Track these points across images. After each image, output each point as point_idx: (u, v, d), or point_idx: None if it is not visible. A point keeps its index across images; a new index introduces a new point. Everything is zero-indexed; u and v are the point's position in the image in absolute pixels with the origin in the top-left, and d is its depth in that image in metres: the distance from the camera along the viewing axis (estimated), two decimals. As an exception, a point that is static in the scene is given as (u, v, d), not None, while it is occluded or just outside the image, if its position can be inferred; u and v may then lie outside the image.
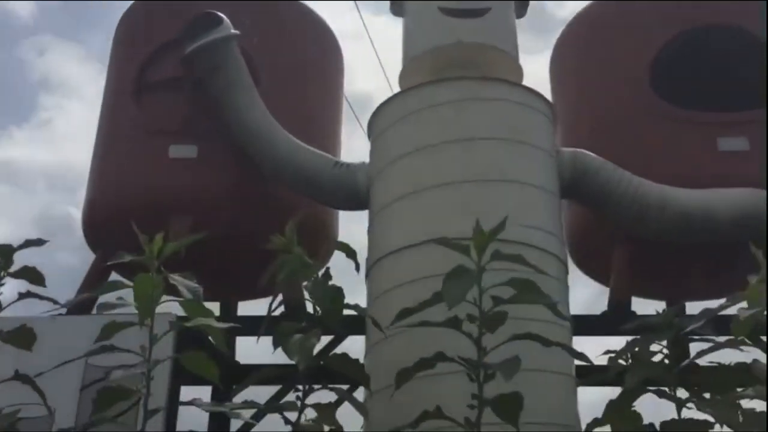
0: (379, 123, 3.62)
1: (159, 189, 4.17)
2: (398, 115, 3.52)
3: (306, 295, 2.31)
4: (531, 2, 4.23)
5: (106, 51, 5.03)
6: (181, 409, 3.39)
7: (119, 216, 4.03)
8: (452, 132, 3.33)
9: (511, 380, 1.90)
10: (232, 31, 4.06)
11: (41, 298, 2.22)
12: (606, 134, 4.21)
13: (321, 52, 5.03)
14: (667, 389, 2.05)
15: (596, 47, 4.59)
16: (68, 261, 14.41)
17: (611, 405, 2.03)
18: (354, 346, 3.73)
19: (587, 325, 3.79)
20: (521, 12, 4.14)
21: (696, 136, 3.92)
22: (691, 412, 1.96)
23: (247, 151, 4.02)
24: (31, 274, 2.27)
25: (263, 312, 2.52)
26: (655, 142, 4.00)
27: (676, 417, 1.98)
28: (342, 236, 4.86)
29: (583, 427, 2.14)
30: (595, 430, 2.04)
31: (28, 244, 2.28)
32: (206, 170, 4.18)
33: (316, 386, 2.17)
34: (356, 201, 3.66)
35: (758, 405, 1.85)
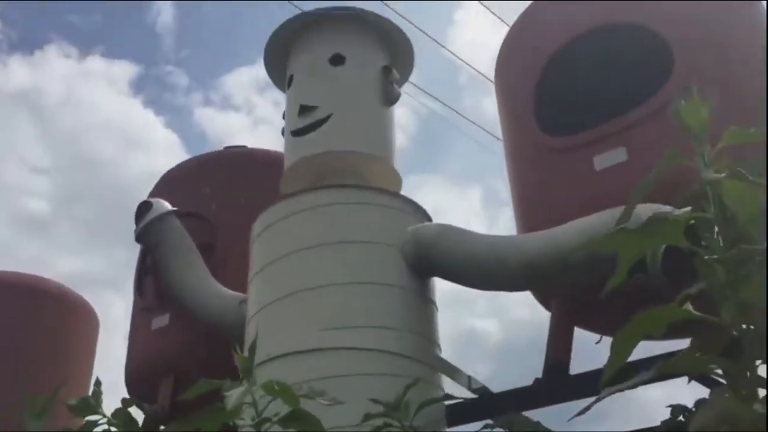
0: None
1: (148, 358, 4.78)
2: (258, 229, 3.78)
3: None
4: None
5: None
6: None
7: (138, 380, 4.79)
8: (285, 245, 3.51)
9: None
10: (164, 210, 4.65)
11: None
12: (509, 173, 4.03)
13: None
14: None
15: (498, 78, 4.41)
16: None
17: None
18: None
19: (520, 400, 3.47)
20: (390, 98, 4.19)
21: (574, 161, 3.55)
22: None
23: (183, 307, 4.47)
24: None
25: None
26: (543, 176, 3.70)
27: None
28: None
29: None
30: None
31: None
32: (177, 333, 4.68)
33: None
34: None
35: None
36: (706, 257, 1.42)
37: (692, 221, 1.44)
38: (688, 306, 1.49)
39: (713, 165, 1.48)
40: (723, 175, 1.38)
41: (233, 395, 1.81)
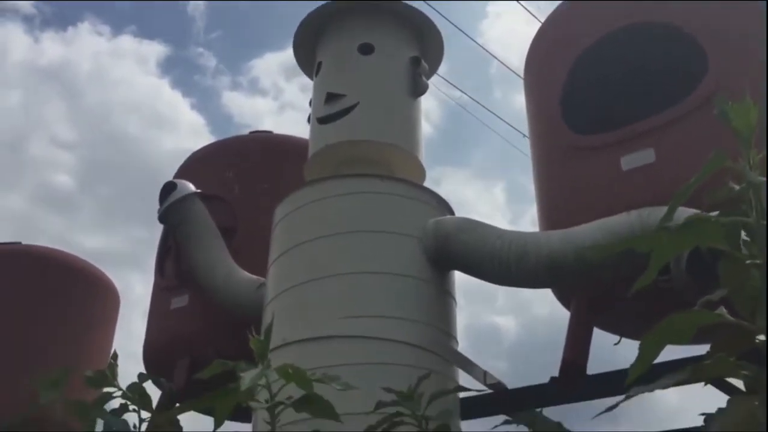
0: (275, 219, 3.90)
1: (166, 337, 4.82)
2: (280, 214, 3.78)
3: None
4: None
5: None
6: None
7: (155, 359, 4.84)
8: (304, 232, 3.51)
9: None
10: (188, 191, 4.68)
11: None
12: (534, 169, 3.99)
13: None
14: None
15: (527, 74, 4.37)
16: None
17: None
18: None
19: (535, 397, 3.46)
20: (418, 90, 4.18)
21: (601, 161, 3.51)
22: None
23: (202, 288, 4.49)
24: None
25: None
26: (570, 176, 3.66)
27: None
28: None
29: None
30: None
31: None
32: (196, 314, 4.72)
33: None
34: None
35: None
36: (747, 261, 1.40)
37: (732, 224, 1.42)
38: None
39: (756, 168, 1.45)
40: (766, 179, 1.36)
41: (247, 377, 1.83)
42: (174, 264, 4.87)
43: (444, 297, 3.47)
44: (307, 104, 4.40)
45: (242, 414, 3.45)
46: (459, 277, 3.68)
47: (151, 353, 4.97)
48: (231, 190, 5.05)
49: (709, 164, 1.44)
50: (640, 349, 1.43)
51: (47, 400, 2.13)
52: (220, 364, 1.93)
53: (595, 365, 3.54)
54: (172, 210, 4.64)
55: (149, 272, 5.33)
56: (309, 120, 4.33)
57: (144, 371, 4.69)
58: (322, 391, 1.98)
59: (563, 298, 3.74)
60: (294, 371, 1.91)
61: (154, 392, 2.59)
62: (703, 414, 2.47)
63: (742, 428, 1.45)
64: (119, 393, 2.31)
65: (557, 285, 3.34)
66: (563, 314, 3.71)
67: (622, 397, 1.48)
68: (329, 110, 3.95)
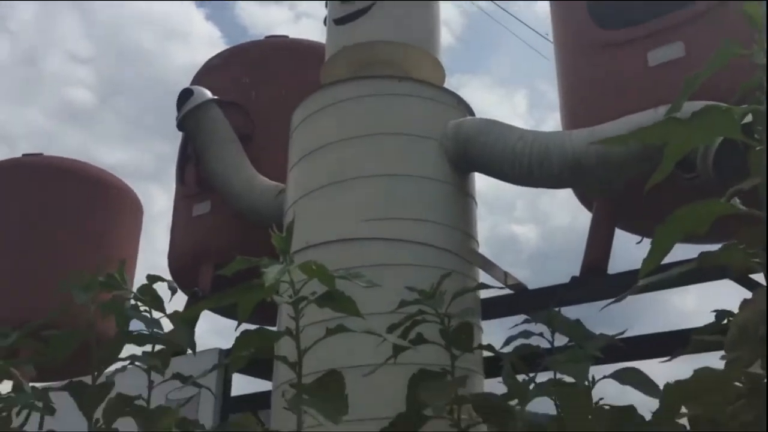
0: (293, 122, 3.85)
1: (189, 244, 4.88)
2: (298, 119, 3.74)
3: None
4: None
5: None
6: None
7: (179, 265, 4.93)
8: (332, 133, 3.47)
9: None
10: (205, 98, 4.63)
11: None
12: (558, 68, 3.89)
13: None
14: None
15: None
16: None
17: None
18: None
19: (553, 297, 3.48)
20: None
21: (627, 56, 3.40)
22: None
23: (220, 195, 4.51)
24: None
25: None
26: (595, 73, 3.56)
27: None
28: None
29: None
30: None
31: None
32: (218, 220, 4.76)
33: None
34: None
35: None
36: (758, 148, 1.35)
37: (748, 114, 1.36)
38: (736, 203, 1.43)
39: (773, 57, 1.38)
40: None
41: (270, 272, 1.83)
42: (194, 172, 4.88)
43: (465, 199, 3.45)
44: (324, 9, 4.27)
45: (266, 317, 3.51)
46: (477, 187, 3.65)
47: (175, 261, 5.05)
48: (248, 96, 4.98)
49: (720, 54, 1.38)
50: (654, 239, 1.40)
51: (82, 301, 2.16)
52: (243, 260, 1.93)
53: (616, 266, 3.55)
54: (189, 117, 4.61)
55: (172, 187, 5.36)
56: (325, 22, 4.22)
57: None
58: (346, 292, 1.99)
59: (585, 200, 3.72)
60: (317, 267, 1.92)
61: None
62: (714, 311, 2.44)
63: (762, 321, 1.44)
64: (131, 295, 2.33)
65: (580, 185, 3.30)
66: (584, 224, 3.69)
67: (637, 286, 1.47)
68: (346, 10, 3.83)
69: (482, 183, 3.58)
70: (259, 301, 1.98)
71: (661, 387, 1.49)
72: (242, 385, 4.69)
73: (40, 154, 6.41)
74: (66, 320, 2.31)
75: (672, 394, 1.27)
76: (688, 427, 1.94)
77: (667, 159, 1.37)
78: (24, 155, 6.40)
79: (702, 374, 1.28)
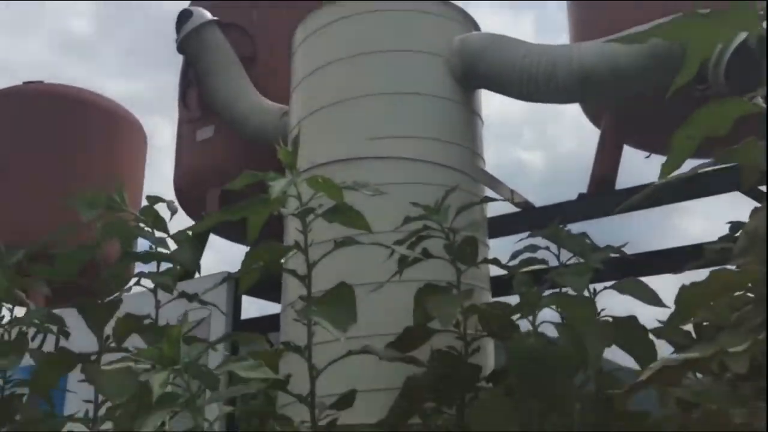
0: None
1: (194, 169, 4.87)
2: (299, 38, 3.64)
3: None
4: None
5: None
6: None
7: (186, 191, 4.93)
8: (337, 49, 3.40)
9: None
10: (204, 19, 4.53)
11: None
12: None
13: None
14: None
15: None
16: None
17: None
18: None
19: (560, 214, 3.47)
20: None
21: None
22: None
23: (223, 118, 4.47)
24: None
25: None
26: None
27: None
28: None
29: None
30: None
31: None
32: (222, 144, 4.73)
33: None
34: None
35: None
36: None
37: None
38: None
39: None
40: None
41: (277, 185, 1.82)
42: (196, 96, 4.82)
43: (471, 117, 3.41)
44: None
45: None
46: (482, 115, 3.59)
47: (181, 186, 5.04)
48: (248, 17, 4.87)
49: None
50: (673, 143, 1.37)
51: (88, 218, 2.16)
52: (249, 175, 1.92)
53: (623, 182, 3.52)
54: (189, 39, 4.52)
55: (176, 118, 5.30)
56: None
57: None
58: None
59: (594, 115, 3.66)
60: (324, 180, 1.91)
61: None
62: (729, 222, 2.43)
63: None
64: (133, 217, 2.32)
65: (589, 99, 3.24)
66: (591, 150, 3.63)
67: (650, 189, 1.44)
68: None
69: (488, 111, 3.51)
70: (267, 219, 1.98)
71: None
72: (252, 313, 4.75)
73: (41, 82, 6.34)
74: (72, 242, 2.31)
75: (687, 296, 1.27)
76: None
77: (690, 59, 1.33)
78: (25, 83, 6.34)
79: (718, 275, 1.28)
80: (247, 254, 1.92)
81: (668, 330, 1.87)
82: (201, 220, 3.98)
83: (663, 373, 1.12)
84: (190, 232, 2.35)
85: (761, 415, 1.23)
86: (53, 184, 5.65)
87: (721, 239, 2.78)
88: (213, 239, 5.26)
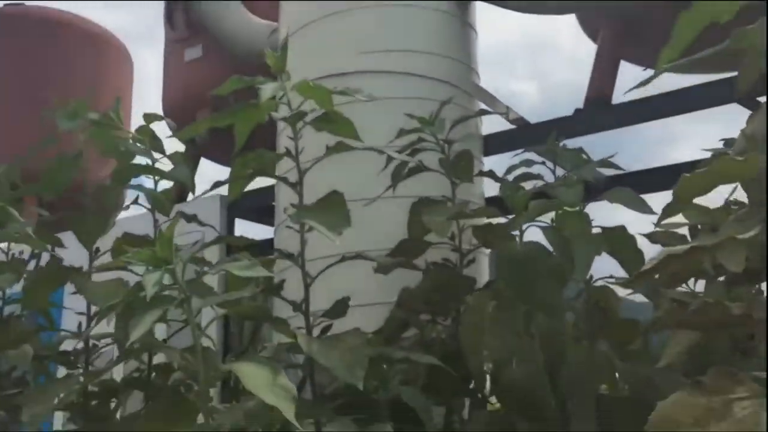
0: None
1: (183, 90, 4.78)
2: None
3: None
4: None
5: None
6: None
7: (175, 113, 4.83)
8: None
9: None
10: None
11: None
12: None
13: None
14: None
15: None
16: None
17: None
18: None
19: (559, 129, 3.41)
20: None
21: None
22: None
23: (211, 36, 4.35)
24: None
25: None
26: None
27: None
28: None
29: None
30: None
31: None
32: (211, 64, 4.62)
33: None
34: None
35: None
36: None
37: None
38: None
39: None
40: None
41: (266, 89, 1.76)
42: (183, 14, 4.68)
43: (465, 30, 3.31)
44: None
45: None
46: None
47: (169, 109, 4.96)
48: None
49: None
50: (677, 25, 1.30)
51: (67, 128, 2.08)
52: (237, 80, 1.85)
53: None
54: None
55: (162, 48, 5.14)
56: None
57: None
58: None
59: (590, 29, 3.57)
60: (314, 85, 1.85)
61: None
62: (722, 139, 2.40)
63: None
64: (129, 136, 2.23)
65: (586, 8, 3.13)
66: (586, 78, 3.53)
67: (652, 77, 1.39)
68: None
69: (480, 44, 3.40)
70: (255, 125, 1.92)
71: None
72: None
73: (22, 4, 6.15)
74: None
75: (687, 184, 1.23)
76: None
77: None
78: (6, 5, 6.15)
79: (719, 162, 1.24)
80: (236, 162, 1.88)
81: (663, 234, 1.85)
82: (192, 148, 3.91)
83: (667, 263, 1.09)
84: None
85: (761, 307, 1.21)
86: (34, 109, 5.53)
87: (716, 152, 2.73)
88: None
